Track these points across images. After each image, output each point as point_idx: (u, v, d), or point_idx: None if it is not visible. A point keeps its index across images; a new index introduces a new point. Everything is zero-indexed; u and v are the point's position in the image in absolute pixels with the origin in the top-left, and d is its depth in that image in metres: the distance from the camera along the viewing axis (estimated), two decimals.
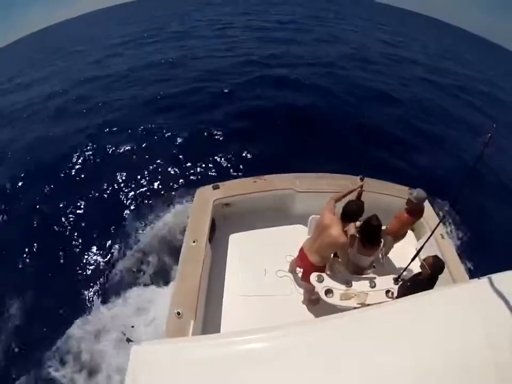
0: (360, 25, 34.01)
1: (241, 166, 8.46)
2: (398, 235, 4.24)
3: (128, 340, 2.73)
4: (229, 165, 8.55)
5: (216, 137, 9.67)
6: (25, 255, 6.48)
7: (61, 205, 7.52)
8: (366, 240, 3.73)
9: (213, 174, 8.21)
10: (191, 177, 8.14)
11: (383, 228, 3.95)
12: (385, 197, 4.76)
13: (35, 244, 6.67)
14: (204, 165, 8.53)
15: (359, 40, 24.19)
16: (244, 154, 8.92)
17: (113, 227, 6.85)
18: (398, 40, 28.79)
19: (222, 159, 8.75)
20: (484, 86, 20.05)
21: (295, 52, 18.31)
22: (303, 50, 18.88)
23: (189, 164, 8.61)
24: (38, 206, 7.63)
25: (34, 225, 7.17)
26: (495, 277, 2.07)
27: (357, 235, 3.75)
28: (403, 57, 22.16)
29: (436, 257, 3.36)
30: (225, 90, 12.69)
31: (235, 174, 8.19)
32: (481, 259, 6.42)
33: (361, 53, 20.02)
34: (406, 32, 37.69)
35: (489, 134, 2.63)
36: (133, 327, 4.73)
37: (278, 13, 33.96)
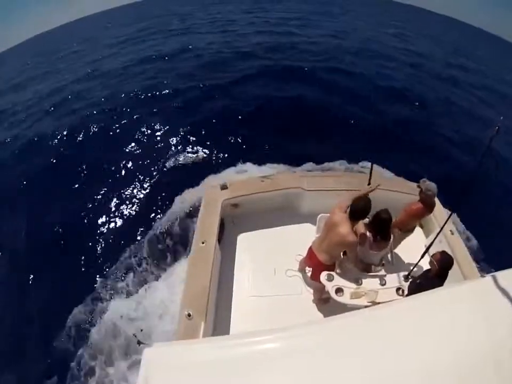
0: (365, 20, 33.61)
1: (248, 160, 8.37)
2: (406, 229, 4.14)
3: (139, 342, 2.75)
4: (235, 158, 8.48)
5: (221, 131, 9.70)
6: (30, 254, 6.62)
7: (59, 203, 7.65)
8: (376, 233, 3.69)
9: (219, 169, 8.11)
10: (195, 175, 7.99)
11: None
12: (393, 193, 4.72)
13: (37, 244, 6.80)
14: (207, 161, 8.57)
15: (364, 36, 23.91)
16: (249, 147, 8.98)
17: (118, 228, 6.96)
18: (405, 35, 28.48)
19: (228, 152, 8.79)
20: (492, 81, 19.75)
21: (301, 47, 18.29)
22: (310, 45, 18.87)
23: (191, 161, 8.65)
24: (39, 205, 7.76)
25: (37, 224, 7.29)
26: (501, 274, 2.05)
27: (367, 233, 3.72)
28: (410, 51, 21.95)
29: (443, 252, 3.33)
30: (234, 82, 12.93)
31: (243, 167, 8.09)
32: (491, 254, 6.37)
33: (366, 47, 19.84)
34: (412, 27, 37.07)
35: (497, 127, 2.59)
36: (142, 330, 4.76)
37: (283, 10, 33.80)
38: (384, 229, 3.66)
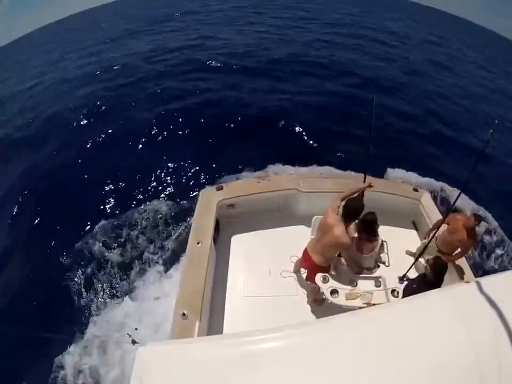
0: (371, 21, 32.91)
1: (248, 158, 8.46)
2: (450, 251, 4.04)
3: (133, 342, 2.72)
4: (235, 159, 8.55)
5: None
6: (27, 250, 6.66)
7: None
8: (361, 234, 3.69)
9: (216, 172, 8.15)
10: (192, 176, 8.13)
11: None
12: (388, 196, 4.74)
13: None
14: (207, 162, 8.56)
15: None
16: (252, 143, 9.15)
17: (114, 228, 6.89)
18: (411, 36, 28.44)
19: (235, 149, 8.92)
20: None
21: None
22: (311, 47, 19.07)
23: (190, 162, 8.65)
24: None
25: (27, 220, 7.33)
26: (495, 277, 2.07)
27: (355, 234, 3.71)
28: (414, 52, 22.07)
29: (436, 258, 3.37)
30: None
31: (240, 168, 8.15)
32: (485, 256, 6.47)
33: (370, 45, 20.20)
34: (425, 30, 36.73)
35: (491, 130, 2.61)
36: (136, 329, 4.74)
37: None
38: (368, 229, 3.64)
